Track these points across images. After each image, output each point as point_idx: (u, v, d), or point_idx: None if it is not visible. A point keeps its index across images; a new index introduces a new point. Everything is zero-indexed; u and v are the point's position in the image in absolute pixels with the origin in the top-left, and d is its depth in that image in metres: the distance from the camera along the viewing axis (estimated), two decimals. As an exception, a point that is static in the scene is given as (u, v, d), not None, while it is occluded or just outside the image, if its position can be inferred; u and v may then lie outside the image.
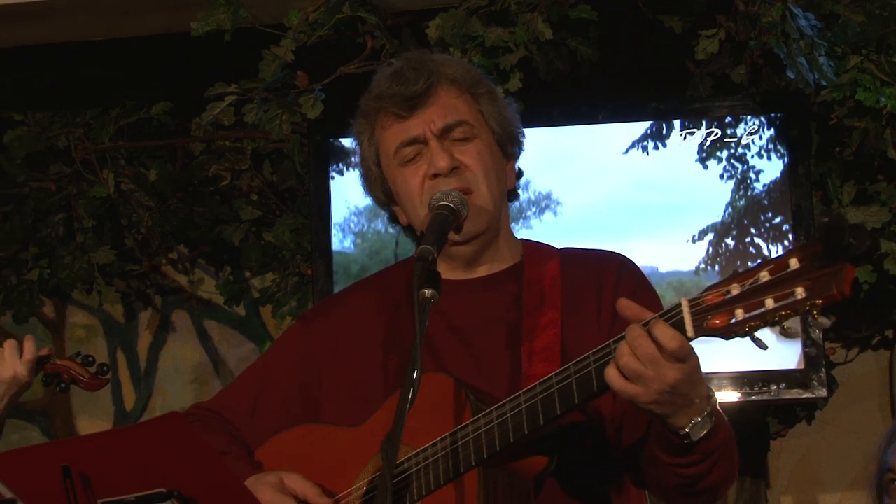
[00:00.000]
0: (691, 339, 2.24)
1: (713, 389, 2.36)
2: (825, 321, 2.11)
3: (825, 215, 2.10)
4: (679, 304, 2.24)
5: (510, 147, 2.72)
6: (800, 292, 2.10)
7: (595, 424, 2.57)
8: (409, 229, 2.73)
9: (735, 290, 2.18)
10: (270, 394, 2.78)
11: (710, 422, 2.32)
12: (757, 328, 2.16)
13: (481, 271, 2.70)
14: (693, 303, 2.22)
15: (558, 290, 2.65)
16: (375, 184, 2.73)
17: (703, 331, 2.21)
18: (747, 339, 2.19)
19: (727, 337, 2.20)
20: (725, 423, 2.41)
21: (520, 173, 2.77)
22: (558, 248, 2.77)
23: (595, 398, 2.36)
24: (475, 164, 2.63)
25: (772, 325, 2.15)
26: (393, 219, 2.77)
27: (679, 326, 2.23)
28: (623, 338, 2.27)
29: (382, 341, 2.70)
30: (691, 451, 2.34)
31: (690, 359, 2.25)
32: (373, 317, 2.74)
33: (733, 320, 2.17)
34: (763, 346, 2.19)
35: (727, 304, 2.18)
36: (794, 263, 2.12)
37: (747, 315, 2.16)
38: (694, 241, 4.19)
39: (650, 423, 2.41)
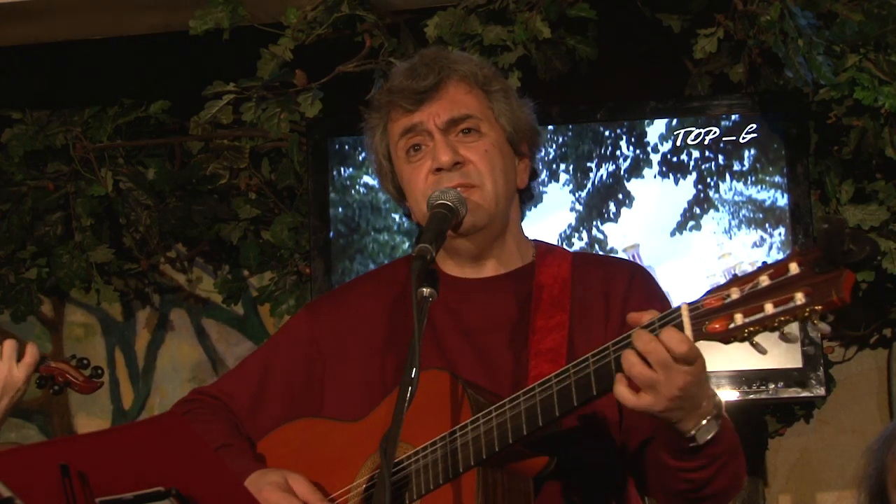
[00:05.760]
0: None
1: (715, 390, 2.34)
2: (825, 327, 2.09)
3: (825, 220, 2.07)
4: (679, 308, 2.23)
5: (523, 146, 2.70)
6: (799, 298, 2.08)
7: (596, 426, 2.56)
8: (420, 225, 2.72)
9: (735, 294, 2.16)
10: (274, 383, 2.76)
11: (716, 425, 2.30)
12: (756, 333, 2.15)
13: (489, 269, 2.68)
14: (692, 307, 2.21)
15: (568, 293, 2.63)
16: (387, 179, 2.73)
17: (702, 336, 2.20)
18: (746, 344, 2.17)
19: (726, 342, 2.18)
20: (731, 428, 2.39)
21: (534, 174, 2.75)
22: (571, 251, 2.77)
23: (594, 401, 2.35)
24: (480, 161, 2.61)
25: (771, 330, 2.13)
26: (407, 213, 2.76)
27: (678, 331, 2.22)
28: (625, 340, 2.26)
29: (385, 337, 2.69)
30: (698, 454, 2.33)
31: (698, 361, 2.24)
32: (378, 311, 2.73)
33: (732, 325, 2.15)
34: (763, 351, 2.16)
35: (726, 308, 2.17)
36: (794, 268, 2.10)
37: (746, 320, 2.14)
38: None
39: (655, 427, 2.40)
